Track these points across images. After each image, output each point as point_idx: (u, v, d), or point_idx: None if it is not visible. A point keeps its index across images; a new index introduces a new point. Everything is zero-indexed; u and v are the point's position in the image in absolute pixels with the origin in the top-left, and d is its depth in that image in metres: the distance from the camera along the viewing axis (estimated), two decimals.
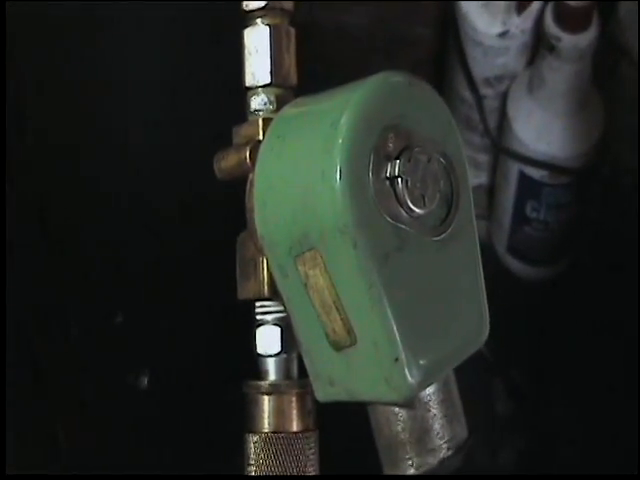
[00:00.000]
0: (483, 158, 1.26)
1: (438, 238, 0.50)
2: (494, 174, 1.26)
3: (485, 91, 1.19)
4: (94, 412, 0.78)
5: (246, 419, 0.56)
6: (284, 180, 0.49)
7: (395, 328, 0.48)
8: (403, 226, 0.48)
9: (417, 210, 0.48)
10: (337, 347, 0.50)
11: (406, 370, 0.48)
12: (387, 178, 0.48)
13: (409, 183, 0.48)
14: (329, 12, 1.22)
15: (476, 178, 1.28)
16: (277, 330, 0.55)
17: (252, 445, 0.55)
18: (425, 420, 0.52)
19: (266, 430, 0.55)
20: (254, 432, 0.55)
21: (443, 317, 0.51)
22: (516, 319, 1.13)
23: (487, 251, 1.23)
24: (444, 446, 0.52)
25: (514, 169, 1.19)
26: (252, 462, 0.55)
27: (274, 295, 0.54)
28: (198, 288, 0.84)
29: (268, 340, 0.55)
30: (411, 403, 0.51)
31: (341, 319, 0.49)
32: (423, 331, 0.49)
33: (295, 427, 0.55)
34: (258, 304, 0.56)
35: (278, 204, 0.50)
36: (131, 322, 0.79)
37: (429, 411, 0.52)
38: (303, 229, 0.48)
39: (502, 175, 1.23)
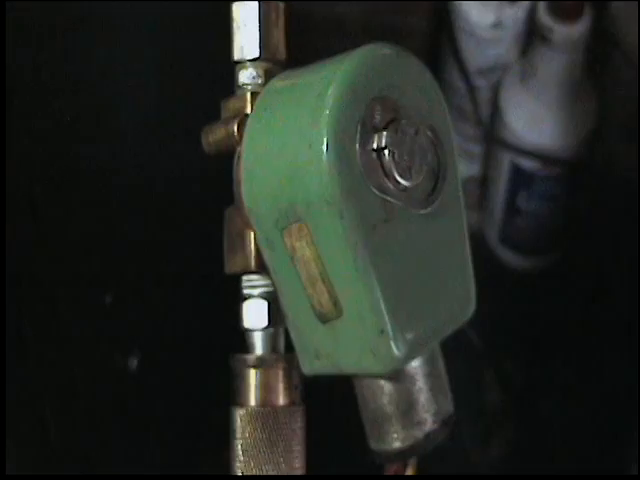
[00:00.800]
0: (475, 149, 1.26)
1: (425, 211, 0.50)
2: (486, 165, 1.26)
3: (478, 82, 1.19)
4: (82, 394, 0.78)
5: (232, 393, 0.56)
6: (271, 152, 0.49)
7: (381, 300, 0.48)
8: (390, 198, 0.48)
9: (404, 182, 0.48)
10: (323, 320, 0.50)
11: (392, 342, 0.48)
12: (374, 150, 0.48)
13: (396, 155, 0.48)
14: (323, 3, 1.22)
15: (468, 169, 1.28)
16: (264, 304, 0.55)
17: (238, 419, 0.55)
18: (411, 393, 0.52)
19: (252, 404, 0.55)
20: (240, 406, 0.55)
21: (430, 290, 0.51)
22: (508, 309, 1.13)
23: (479, 241, 1.24)
24: (430, 419, 0.52)
25: (506, 160, 1.19)
26: (238, 436, 0.55)
27: (261, 269, 0.54)
28: (187, 266, 0.84)
29: (255, 314, 0.56)
30: (397, 376, 0.51)
31: (327, 291, 0.49)
32: (409, 303, 0.49)
33: (282, 401, 0.56)
34: (245, 278, 0.56)
35: (265, 176, 0.50)
36: (120, 303, 0.79)
37: (415, 384, 0.52)
38: (290, 201, 0.48)
39: (494, 166, 1.23)
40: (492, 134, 1.20)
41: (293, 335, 0.53)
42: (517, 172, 1.18)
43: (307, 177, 0.47)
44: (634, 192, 1.05)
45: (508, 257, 1.25)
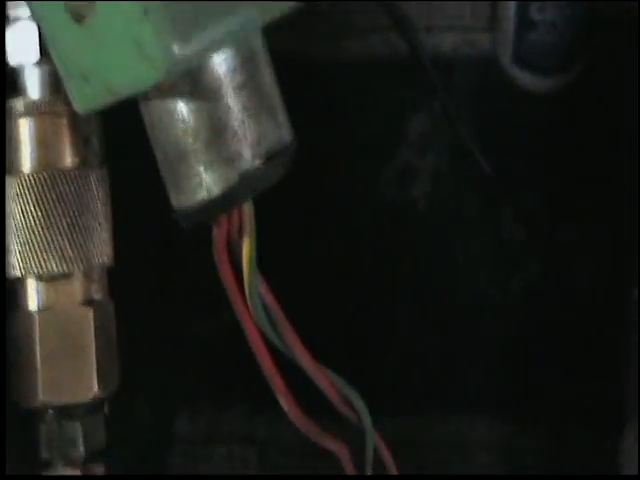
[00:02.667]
0: None
1: None
2: None
3: None
4: None
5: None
6: None
7: None
8: None
9: None
10: (77, 17, 0.34)
11: (160, 24, 0.31)
12: None
13: None
14: None
15: None
16: (34, 27, 0.39)
17: (8, 192, 0.39)
18: (215, 115, 0.34)
19: (26, 169, 0.39)
20: (10, 174, 0.39)
21: None
22: (525, 136, 0.98)
23: (492, 64, 1.07)
24: (247, 153, 0.35)
25: None
26: (11, 218, 0.39)
27: None
28: None
29: (23, 42, 0.39)
30: (192, 89, 0.34)
31: None
32: None
33: (67, 161, 0.39)
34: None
35: None
36: None
37: (220, 101, 0.34)
38: None
39: None
40: None
41: (55, 57, 0.36)
42: None
43: None
44: None
45: (524, 78, 1.08)
